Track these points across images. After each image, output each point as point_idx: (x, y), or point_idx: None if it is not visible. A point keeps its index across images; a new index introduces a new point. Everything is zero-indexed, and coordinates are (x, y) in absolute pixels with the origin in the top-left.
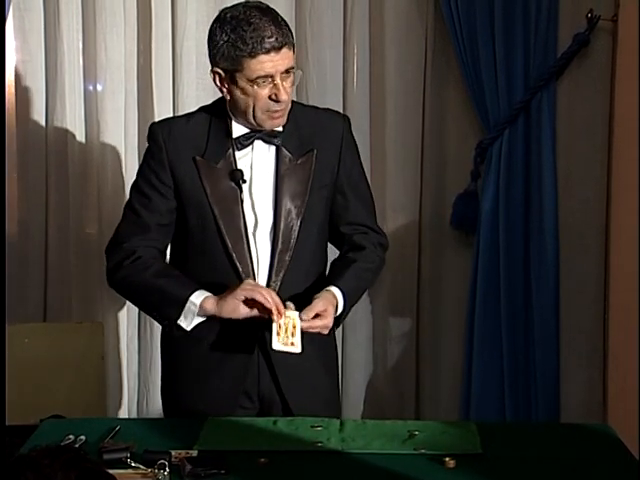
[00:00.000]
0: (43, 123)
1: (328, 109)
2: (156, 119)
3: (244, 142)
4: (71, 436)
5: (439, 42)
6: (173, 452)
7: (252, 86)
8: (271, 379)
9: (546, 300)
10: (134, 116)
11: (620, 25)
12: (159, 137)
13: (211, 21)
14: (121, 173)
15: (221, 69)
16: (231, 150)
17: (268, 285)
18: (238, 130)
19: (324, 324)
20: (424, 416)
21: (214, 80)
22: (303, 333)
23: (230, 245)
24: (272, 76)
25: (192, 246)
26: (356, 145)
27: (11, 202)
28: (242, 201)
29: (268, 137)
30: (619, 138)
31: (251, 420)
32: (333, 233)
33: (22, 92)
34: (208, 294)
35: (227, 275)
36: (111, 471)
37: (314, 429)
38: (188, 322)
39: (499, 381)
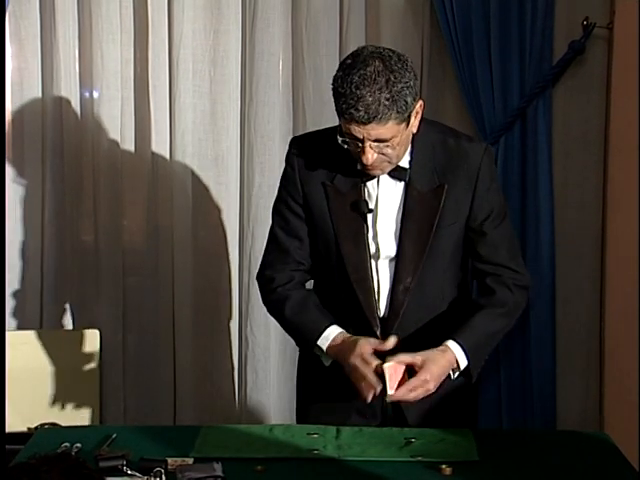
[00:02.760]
0: (39, 130)
1: (470, 138)
2: (152, 126)
3: (369, 175)
4: (67, 444)
5: (435, 50)
6: (169, 460)
7: (342, 138)
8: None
9: (542, 307)
10: (130, 124)
11: (615, 32)
12: (293, 157)
13: (207, 29)
14: (117, 181)
15: None
16: (361, 178)
17: (389, 320)
18: None
19: (415, 396)
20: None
21: None
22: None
23: (351, 274)
24: (360, 140)
25: (317, 273)
26: (495, 177)
27: (7, 209)
28: (367, 231)
29: (395, 172)
30: (615, 145)
31: (247, 427)
32: (471, 269)
33: (18, 99)
34: (331, 341)
35: (348, 305)
36: (107, 479)
37: (310, 436)
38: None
39: (495, 388)
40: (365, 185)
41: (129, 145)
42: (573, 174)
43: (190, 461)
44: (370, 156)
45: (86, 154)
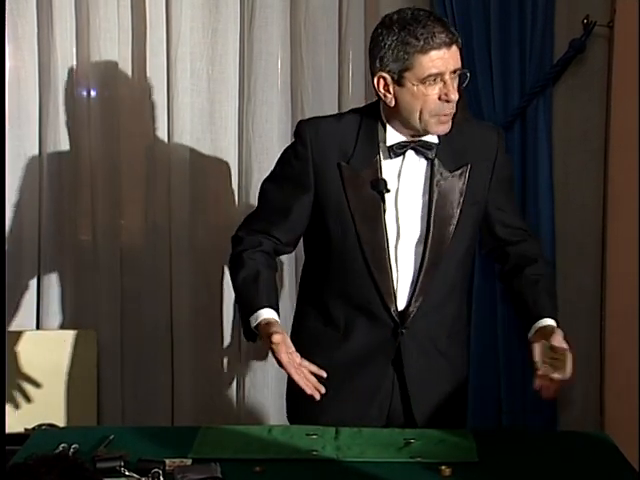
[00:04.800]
0: (36, 129)
1: (483, 123)
2: (150, 125)
3: (397, 150)
4: (64, 445)
5: None
6: (167, 461)
7: (421, 86)
8: (401, 395)
9: None
10: (128, 123)
11: (616, 31)
12: (306, 136)
13: (205, 27)
14: (115, 180)
15: (388, 73)
16: (378, 157)
17: (407, 302)
18: (392, 138)
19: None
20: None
21: (377, 86)
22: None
23: (369, 256)
24: (442, 74)
25: (333, 257)
26: (510, 161)
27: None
28: (385, 211)
29: (423, 148)
30: (616, 144)
31: (246, 428)
32: (490, 238)
33: (15, 98)
34: (260, 321)
35: (365, 288)
36: None
37: (309, 437)
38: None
39: (495, 389)
40: (385, 163)
41: (127, 144)
42: (573, 173)
43: (188, 462)
44: (453, 89)
45: (83, 153)
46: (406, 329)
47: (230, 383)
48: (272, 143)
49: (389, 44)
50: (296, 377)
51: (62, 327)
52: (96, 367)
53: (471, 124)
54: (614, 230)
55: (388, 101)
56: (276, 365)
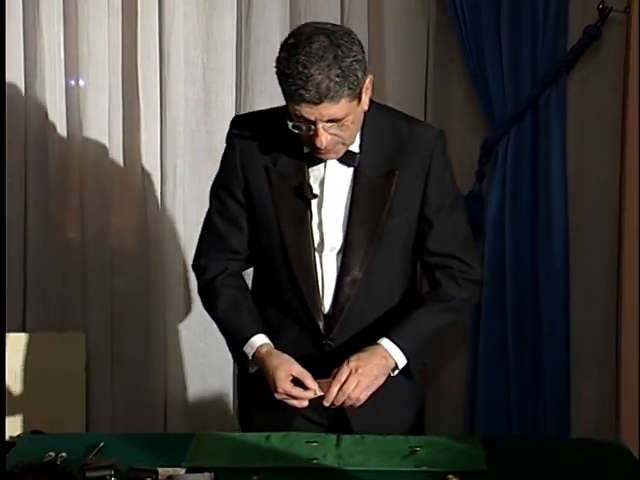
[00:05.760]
0: (22, 120)
1: (421, 122)
2: (142, 116)
3: (315, 158)
4: (51, 453)
5: (442, 35)
6: (160, 470)
7: (294, 121)
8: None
9: (555, 306)
10: (118, 113)
11: (633, 17)
12: (234, 139)
13: (200, 13)
14: (105, 175)
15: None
16: (304, 162)
17: (333, 311)
18: None
19: (358, 390)
20: (426, 431)
21: None
22: None
23: (294, 264)
24: (311, 122)
25: (261, 264)
26: (449, 164)
27: None
28: (311, 218)
29: (344, 157)
30: (632, 136)
31: (243, 435)
32: (420, 261)
33: None
34: (258, 347)
35: (291, 296)
36: None
37: (309, 445)
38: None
39: (505, 393)
40: (310, 169)
41: (117, 137)
42: (588, 168)
43: (182, 471)
44: (324, 139)
45: (72, 146)
46: (332, 339)
47: (226, 388)
48: None
49: (278, 72)
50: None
51: (49, 329)
52: (85, 371)
53: (409, 124)
54: (631, 228)
55: None
56: None
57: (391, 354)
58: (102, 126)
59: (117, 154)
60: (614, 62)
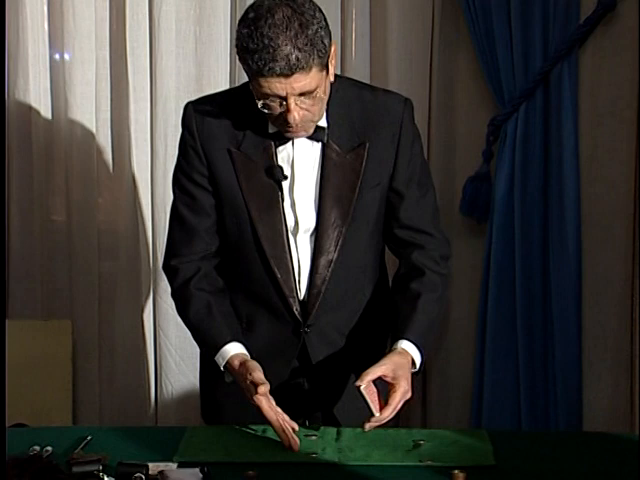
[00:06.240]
0: (4, 95)
1: (387, 91)
2: (131, 92)
3: (282, 137)
4: (36, 447)
5: (448, 6)
6: (150, 464)
7: (262, 100)
8: (314, 391)
9: (566, 296)
10: (106, 89)
11: None
12: (192, 123)
13: None
14: (92, 153)
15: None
16: (271, 142)
17: (309, 296)
18: None
19: (392, 412)
20: (431, 424)
21: None
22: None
23: (267, 250)
24: (282, 97)
25: (230, 251)
26: (418, 134)
27: None
28: (282, 200)
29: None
30: None
31: (237, 429)
32: (388, 235)
33: None
34: (230, 359)
35: (264, 284)
36: None
37: (308, 438)
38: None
39: (514, 385)
40: (277, 150)
41: (105, 113)
42: (602, 146)
43: (174, 466)
44: (297, 114)
45: (57, 123)
46: (310, 325)
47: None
48: None
49: (236, 42)
50: (276, 425)
51: (33, 317)
52: (71, 360)
53: (375, 93)
54: None
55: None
56: None
57: (413, 356)
58: (89, 102)
59: (105, 131)
60: (630, 35)
